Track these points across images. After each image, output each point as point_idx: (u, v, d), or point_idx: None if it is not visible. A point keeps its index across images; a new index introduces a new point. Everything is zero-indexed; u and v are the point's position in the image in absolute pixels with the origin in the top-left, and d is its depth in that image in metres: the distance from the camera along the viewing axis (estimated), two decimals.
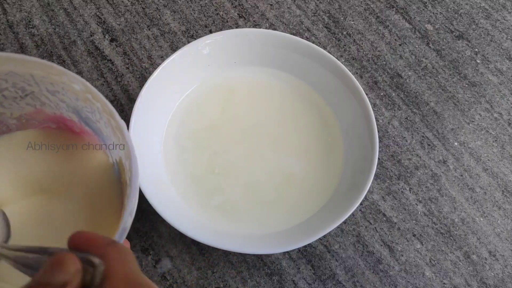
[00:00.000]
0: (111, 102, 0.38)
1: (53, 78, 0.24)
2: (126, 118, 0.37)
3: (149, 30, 0.44)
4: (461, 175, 0.40)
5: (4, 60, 0.23)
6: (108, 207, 0.28)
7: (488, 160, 0.41)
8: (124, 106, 0.40)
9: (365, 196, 0.38)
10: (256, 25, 0.46)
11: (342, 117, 0.39)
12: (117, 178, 0.29)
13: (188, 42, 0.42)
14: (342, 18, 0.47)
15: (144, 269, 0.34)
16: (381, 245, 0.36)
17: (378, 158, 0.39)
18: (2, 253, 0.20)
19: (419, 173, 0.39)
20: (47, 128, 0.30)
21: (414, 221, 0.37)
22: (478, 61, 0.46)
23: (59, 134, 0.30)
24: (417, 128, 0.42)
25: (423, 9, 0.49)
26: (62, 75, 0.24)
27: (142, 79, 0.42)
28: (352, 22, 0.47)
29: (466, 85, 0.44)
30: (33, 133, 0.30)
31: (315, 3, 0.48)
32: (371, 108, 0.36)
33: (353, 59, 0.45)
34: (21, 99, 0.27)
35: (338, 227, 0.36)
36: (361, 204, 0.38)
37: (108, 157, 0.30)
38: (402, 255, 0.36)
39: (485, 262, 0.36)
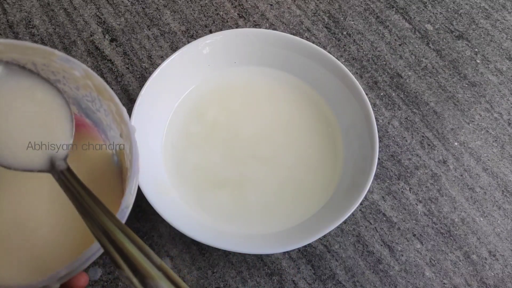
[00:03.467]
0: None
1: (54, 66, 0.24)
2: None
3: (149, 30, 0.44)
4: (461, 175, 0.40)
5: (6, 48, 0.23)
6: (109, 196, 0.28)
7: (488, 160, 0.41)
8: (124, 106, 0.40)
9: (365, 196, 0.38)
10: (256, 25, 0.46)
11: (342, 117, 0.39)
12: (117, 167, 0.29)
13: (188, 42, 0.42)
14: (342, 18, 0.47)
15: None
16: (381, 245, 0.36)
17: (378, 158, 0.39)
18: None
19: (419, 173, 0.39)
20: None
21: (414, 221, 0.37)
22: (478, 61, 0.46)
23: None
24: (417, 128, 0.42)
25: (423, 9, 0.49)
26: (63, 60, 0.24)
27: (142, 79, 0.42)
28: (352, 22, 0.47)
29: (466, 85, 0.44)
30: None
31: (315, 3, 0.48)
32: (371, 108, 0.36)
33: (353, 59, 0.45)
34: None
35: (338, 227, 0.36)
36: (361, 204, 0.38)
37: (107, 149, 0.30)
38: (402, 255, 0.36)
39: (485, 262, 0.36)
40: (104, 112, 0.26)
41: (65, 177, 0.23)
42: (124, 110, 0.24)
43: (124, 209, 0.22)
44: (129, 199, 0.22)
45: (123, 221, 0.22)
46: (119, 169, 0.29)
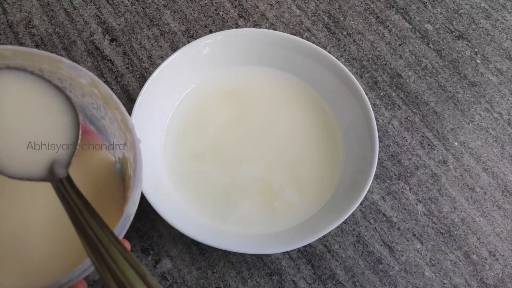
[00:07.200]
0: None
1: (61, 73, 0.25)
2: None
3: (149, 30, 0.44)
4: (461, 175, 0.40)
5: (13, 54, 0.23)
6: (111, 203, 0.28)
7: (488, 160, 0.41)
8: (124, 106, 0.40)
9: (365, 196, 0.38)
10: (256, 25, 0.46)
11: (342, 117, 0.39)
12: (120, 174, 0.29)
13: (188, 42, 0.42)
14: (342, 18, 0.47)
15: None
16: (381, 245, 0.36)
17: (378, 158, 0.39)
18: None
19: (419, 173, 0.39)
20: None
21: (414, 221, 0.37)
22: (478, 61, 0.46)
23: None
24: (417, 128, 0.42)
25: (423, 9, 0.49)
26: (70, 68, 0.24)
27: (142, 79, 0.42)
28: (352, 22, 0.47)
29: (466, 85, 0.44)
30: None
31: (315, 3, 0.48)
32: (371, 108, 0.36)
33: (353, 59, 0.45)
34: None
35: (338, 227, 0.36)
36: (361, 204, 0.38)
37: (110, 155, 0.30)
38: (402, 255, 0.36)
39: (485, 262, 0.36)
40: (109, 120, 0.26)
41: (63, 186, 0.21)
42: (129, 119, 0.24)
43: (126, 218, 0.22)
44: (132, 209, 0.22)
45: (125, 230, 0.22)
46: (122, 176, 0.29)
